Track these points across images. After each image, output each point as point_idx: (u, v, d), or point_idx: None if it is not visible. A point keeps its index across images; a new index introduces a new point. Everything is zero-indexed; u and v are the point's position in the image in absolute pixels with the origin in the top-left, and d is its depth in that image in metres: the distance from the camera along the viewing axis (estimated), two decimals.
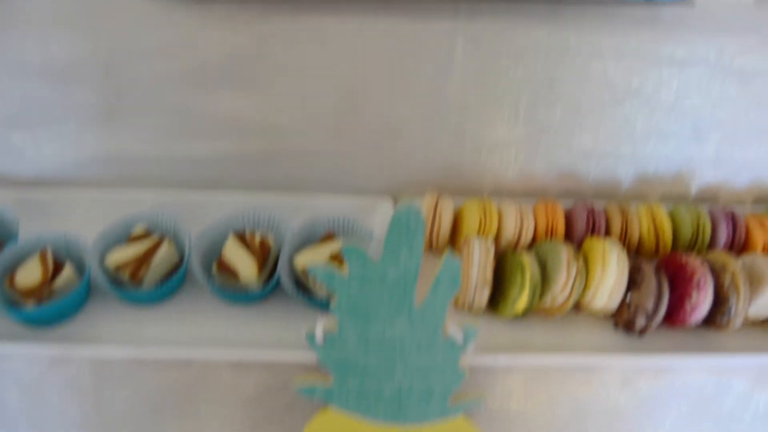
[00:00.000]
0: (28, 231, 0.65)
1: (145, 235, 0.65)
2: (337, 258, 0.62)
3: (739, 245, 0.67)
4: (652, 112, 0.65)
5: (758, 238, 0.67)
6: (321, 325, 0.54)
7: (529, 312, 0.60)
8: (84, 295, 0.63)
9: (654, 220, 0.66)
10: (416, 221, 0.51)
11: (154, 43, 0.60)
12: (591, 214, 0.66)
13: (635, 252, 0.68)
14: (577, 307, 0.62)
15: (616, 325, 0.62)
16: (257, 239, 0.64)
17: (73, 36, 0.62)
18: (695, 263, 0.61)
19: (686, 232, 0.66)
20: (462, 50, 0.60)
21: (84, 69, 0.63)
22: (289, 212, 0.67)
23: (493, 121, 0.65)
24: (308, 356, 0.55)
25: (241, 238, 0.64)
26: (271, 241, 0.65)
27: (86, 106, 0.66)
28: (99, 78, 0.63)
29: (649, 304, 0.59)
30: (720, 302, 0.60)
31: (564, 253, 0.60)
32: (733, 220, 0.67)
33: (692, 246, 0.67)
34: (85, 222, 0.67)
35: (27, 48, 0.62)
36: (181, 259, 0.65)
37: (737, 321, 0.60)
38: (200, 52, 0.61)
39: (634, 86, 0.63)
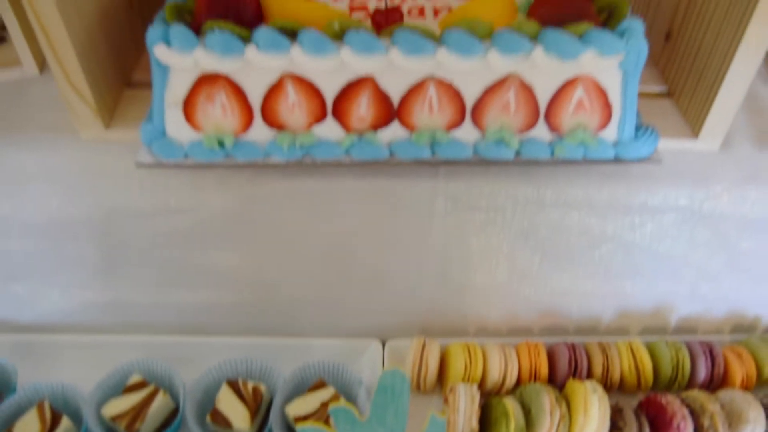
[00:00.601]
0: (26, 377, 0.67)
1: (141, 384, 0.67)
2: (327, 406, 0.64)
3: (718, 380, 0.70)
4: (628, 254, 0.68)
5: (736, 372, 0.69)
6: None
7: None
8: None
9: (635, 358, 0.69)
10: (401, 385, 0.53)
11: (150, 205, 0.64)
12: (573, 353, 0.68)
13: (617, 389, 0.69)
14: None
15: None
16: (250, 387, 0.66)
17: (72, 197, 0.66)
18: (675, 404, 0.63)
19: (666, 368, 0.69)
20: (442, 206, 0.64)
21: (82, 226, 0.67)
22: (281, 355, 0.69)
23: (475, 269, 0.68)
24: None
25: (234, 386, 0.66)
26: (263, 389, 0.66)
27: (84, 259, 0.69)
28: (97, 234, 0.67)
29: None
30: None
31: (547, 400, 0.62)
32: (711, 354, 0.69)
33: (672, 382, 0.69)
34: (82, 366, 0.70)
35: (28, 207, 0.66)
36: (176, 408, 0.67)
37: None
38: (194, 213, 0.64)
39: (609, 232, 0.67)
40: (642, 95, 0.70)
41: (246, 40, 0.54)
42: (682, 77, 0.69)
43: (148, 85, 0.67)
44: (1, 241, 0.69)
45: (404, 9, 0.61)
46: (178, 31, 0.54)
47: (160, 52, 0.55)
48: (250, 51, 0.54)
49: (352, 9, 0.61)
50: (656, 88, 0.73)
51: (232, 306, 0.71)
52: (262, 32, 0.54)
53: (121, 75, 0.69)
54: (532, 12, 0.59)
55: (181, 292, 0.70)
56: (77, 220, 0.66)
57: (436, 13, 0.61)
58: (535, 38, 0.55)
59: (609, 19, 0.60)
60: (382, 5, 0.61)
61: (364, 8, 0.62)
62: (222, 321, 0.72)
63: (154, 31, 0.55)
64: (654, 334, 0.76)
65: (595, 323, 0.74)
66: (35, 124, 0.67)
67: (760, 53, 0.60)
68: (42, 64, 0.74)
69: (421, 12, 0.61)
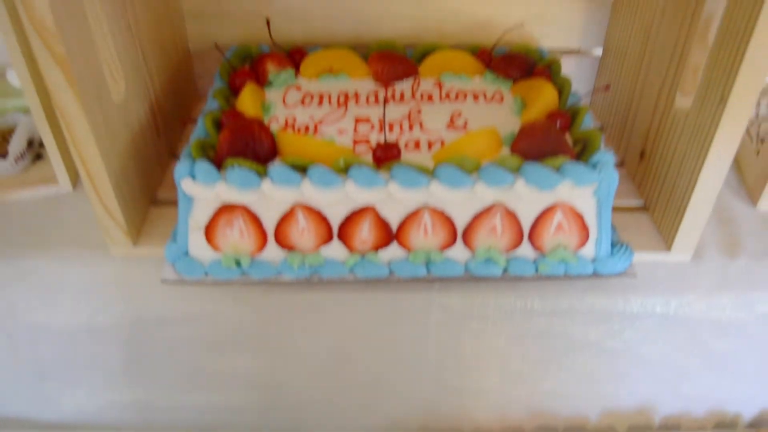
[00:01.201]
0: None
1: None
2: None
3: None
4: (610, 358, 0.74)
5: None
6: None
7: None
8: None
9: None
10: None
11: (173, 314, 0.70)
12: None
13: None
14: None
15: None
16: None
17: (101, 307, 0.72)
18: None
19: None
20: (437, 317, 0.70)
21: (109, 333, 0.73)
22: None
23: (469, 373, 0.74)
24: None
25: None
26: None
27: (110, 362, 0.75)
28: (122, 340, 0.73)
29: None
30: None
31: None
32: None
33: None
34: None
35: (61, 316, 0.72)
36: None
37: None
38: (212, 322, 0.70)
39: (591, 338, 0.72)
40: (620, 209, 0.78)
41: (262, 175, 0.62)
42: (655, 193, 0.76)
43: (171, 202, 0.75)
44: (34, 345, 0.74)
45: (402, 142, 0.69)
46: (203, 167, 0.61)
47: (186, 185, 0.62)
48: (266, 185, 0.61)
49: (355, 142, 0.69)
50: (633, 202, 0.80)
51: (246, 406, 0.76)
52: (276, 168, 0.61)
53: (147, 194, 0.76)
54: (515, 145, 0.67)
55: (199, 393, 0.75)
56: (105, 327, 0.72)
57: (430, 145, 0.69)
58: (517, 171, 0.62)
59: (584, 150, 0.67)
60: (382, 139, 0.69)
61: (367, 141, 0.69)
62: (236, 420, 0.77)
63: (181, 167, 0.62)
64: (640, 431, 0.80)
65: (583, 422, 0.79)
66: (69, 240, 0.74)
67: (723, 170, 0.66)
68: (75, 181, 0.82)
69: (417, 145, 0.69)
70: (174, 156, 0.85)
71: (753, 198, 0.83)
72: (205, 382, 0.75)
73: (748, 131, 0.88)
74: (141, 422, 0.78)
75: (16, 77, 0.86)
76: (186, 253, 0.67)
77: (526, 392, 0.75)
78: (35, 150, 0.86)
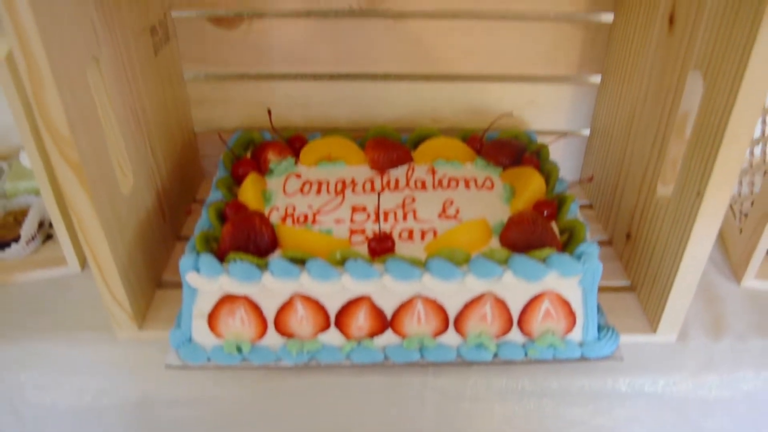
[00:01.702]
0: None
1: None
2: None
3: None
4: None
5: None
6: None
7: None
8: None
9: None
10: None
11: (176, 396, 0.73)
12: None
13: None
14: None
15: None
16: None
17: (107, 388, 0.74)
18: None
19: None
20: (431, 398, 0.72)
21: (114, 412, 0.75)
22: None
23: None
24: None
25: None
26: None
27: None
28: (126, 419, 0.75)
29: None
30: None
31: None
32: None
33: None
34: None
35: (67, 396, 0.74)
36: None
37: None
38: (214, 404, 0.73)
39: (581, 417, 0.74)
40: (607, 289, 0.81)
41: (263, 268, 0.65)
42: (641, 274, 0.79)
43: (176, 284, 0.78)
44: (41, 424, 0.76)
45: (396, 231, 0.72)
46: (206, 261, 0.65)
47: (191, 277, 0.65)
48: (266, 278, 0.64)
49: (352, 231, 0.73)
50: (620, 282, 0.83)
51: None
52: (276, 262, 0.64)
53: (153, 278, 0.80)
54: (503, 235, 0.70)
55: None
56: (110, 407, 0.75)
57: (423, 235, 0.72)
58: (505, 263, 0.65)
59: (570, 239, 0.70)
60: (377, 228, 0.73)
61: (363, 231, 0.73)
62: None
63: (186, 260, 0.65)
64: None
65: None
66: (77, 322, 0.77)
67: (704, 256, 0.68)
68: (84, 263, 0.85)
69: (410, 235, 0.72)
70: (179, 238, 0.89)
71: (737, 276, 0.86)
72: None
73: (731, 208, 0.91)
74: None
75: (28, 159, 0.91)
76: (189, 340, 0.70)
77: None
78: (45, 231, 0.90)
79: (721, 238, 0.92)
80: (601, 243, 0.88)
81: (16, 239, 0.84)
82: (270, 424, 0.74)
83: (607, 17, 0.88)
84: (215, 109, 0.96)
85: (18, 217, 0.89)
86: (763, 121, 0.87)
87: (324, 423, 0.74)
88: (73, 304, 0.80)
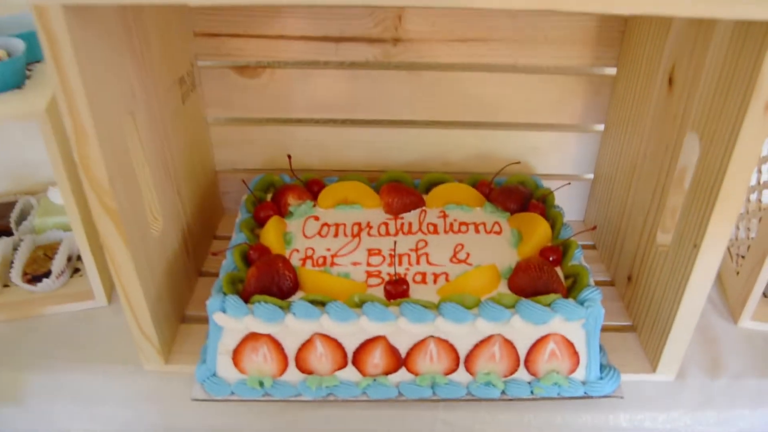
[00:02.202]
0: None
1: None
2: None
3: None
4: None
5: None
6: None
7: None
8: None
9: None
10: None
11: (201, 426, 0.77)
12: None
13: None
14: None
15: None
16: None
17: (134, 418, 0.78)
18: None
19: None
20: (440, 430, 0.76)
21: None
22: None
23: None
24: None
25: None
26: None
27: None
28: None
29: None
30: None
31: None
32: None
33: None
34: None
35: (96, 426, 0.78)
36: None
37: None
38: None
39: None
40: (610, 329, 0.85)
41: (285, 309, 0.69)
42: (642, 315, 0.83)
43: (198, 319, 0.82)
44: None
45: (410, 275, 0.77)
46: (232, 302, 0.69)
47: (217, 317, 0.70)
48: (289, 318, 0.69)
49: (368, 275, 0.77)
50: (622, 322, 0.87)
51: None
52: (298, 305, 0.69)
53: (177, 313, 0.84)
54: (512, 280, 0.75)
55: None
56: None
57: (435, 278, 0.76)
58: (513, 307, 0.70)
59: (574, 284, 0.75)
60: (392, 271, 0.77)
61: (378, 274, 0.77)
62: None
63: (213, 301, 0.70)
64: None
65: None
66: (105, 354, 0.81)
67: (701, 302, 0.72)
68: (110, 296, 0.90)
69: (423, 278, 0.77)
70: (201, 274, 0.93)
71: (734, 316, 0.90)
72: None
73: (729, 251, 0.96)
74: None
75: (58, 195, 0.96)
76: (214, 374, 0.74)
77: None
78: (73, 265, 0.94)
79: (719, 280, 0.96)
80: (603, 283, 0.93)
81: (47, 274, 0.89)
82: None
83: (611, 71, 0.94)
84: (236, 151, 1.01)
85: (47, 251, 0.93)
86: (758, 170, 0.92)
87: None
88: (101, 337, 0.84)
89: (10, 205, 1.01)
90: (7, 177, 1.07)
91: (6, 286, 0.91)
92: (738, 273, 0.91)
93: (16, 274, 0.88)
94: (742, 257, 0.92)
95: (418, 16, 0.89)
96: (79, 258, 0.93)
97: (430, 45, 0.91)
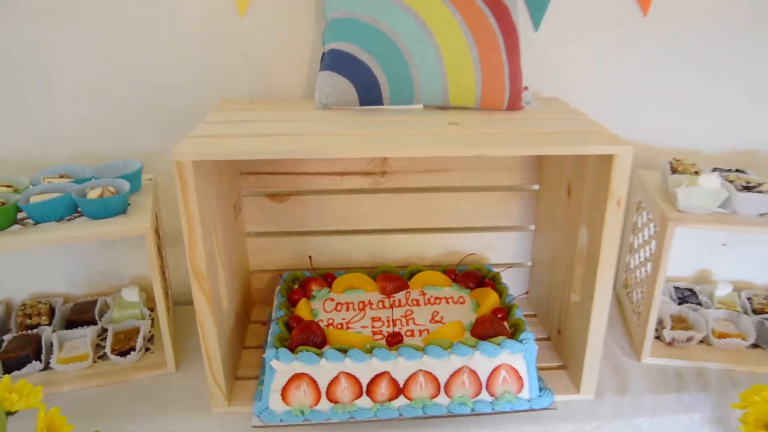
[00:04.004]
0: None
1: None
2: None
3: None
4: None
5: None
6: None
7: None
8: None
9: None
10: None
11: None
12: None
13: None
14: None
15: None
16: None
17: None
18: None
19: None
20: None
21: None
22: None
23: None
24: None
25: None
26: None
27: None
28: None
29: None
30: None
31: None
32: None
33: None
34: None
35: None
36: None
37: None
38: None
39: None
40: (546, 368, 1.18)
41: (320, 355, 1.02)
42: (568, 355, 1.17)
43: (247, 377, 1.13)
44: None
45: (403, 331, 1.11)
46: (284, 352, 1.01)
47: (274, 363, 1.02)
48: (322, 361, 1.01)
49: (374, 333, 1.11)
50: (556, 363, 1.20)
51: None
52: (329, 352, 1.02)
53: (233, 373, 1.15)
54: (473, 330, 1.09)
55: None
56: None
57: (420, 333, 1.10)
58: (475, 347, 1.03)
59: (515, 331, 1.09)
60: (391, 330, 1.11)
61: (381, 333, 1.11)
62: None
63: (270, 353, 1.02)
64: None
65: None
66: (180, 405, 1.11)
67: (600, 342, 1.07)
68: (178, 365, 1.21)
69: (412, 333, 1.10)
70: (244, 347, 1.25)
71: (638, 355, 1.24)
72: None
73: (633, 310, 1.31)
74: None
75: (129, 294, 1.29)
76: (267, 408, 1.05)
77: None
78: (145, 344, 1.26)
79: (628, 332, 1.31)
80: (542, 339, 1.27)
81: (132, 349, 1.20)
82: None
83: (536, 187, 1.33)
84: (266, 255, 1.37)
85: (126, 335, 1.25)
86: (642, 250, 1.30)
87: None
88: (175, 393, 1.14)
89: (93, 303, 1.33)
90: (85, 283, 1.40)
91: (95, 361, 1.21)
92: (638, 325, 1.26)
93: (109, 350, 1.19)
94: (640, 313, 1.27)
95: (398, 157, 1.29)
96: (149, 339, 1.25)
97: (407, 175, 1.31)
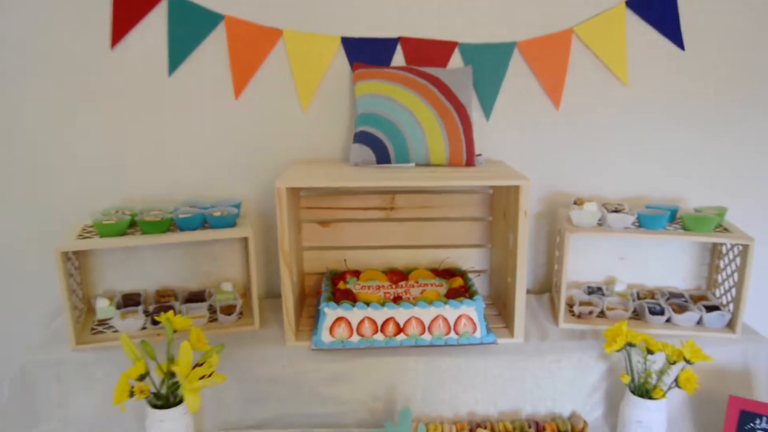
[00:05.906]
0: None
1: None
2: None
3: None
4: (493, 378, 1.76)
5: None
6: None
7: None
8: None
9: None
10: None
11: (315, 365, 1.74)
12: None
13: None
14: None
15: None
16: None
17: (280, 369, 1.76)
18: None
19: None
20: (419, 362, 1.74)
21: (281, 380, 1.75)
22: None
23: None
24: None
25: None
26: None
27: None
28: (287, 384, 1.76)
29: None
30: None
31: None
32: None
33: None
34: None
35: (254, 369, 1.75)
36: None
37: None
38: (332, 367, 1.74)
39: (481, 370, 1.76)
40: (494, 327, 1.87)
41: (352, 305, 1.71)
42: (507, 317, 1.85)
43: (302, 330, 1.83)
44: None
45: (403, 295, 1.81)
46: (331, 305, 1.72)
47: (326, 310, 1.72)
48: (354, 309, 1.70)
49: (386, 296, 1.81)
50: (501, 325, 1.88)
51: None
52: (358, 304, 1.71)
53: (296, 326, 1.85)
54: (446, 294, 1.79)
55: None
56: (282, 376, 1.75)
57: (414, 299, 1.81)
58: (446, 302, 1.72)
59: (471, 296, 1.79)
60: (394, 293, 1.82)
61: (389, 296, 1.81)
62: None
63: (323, 305, 1.72)
64: None
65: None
66: (264, 341, 1.79)
67: (523, 302, 1.77)
68: (261, 324, 1.90)
69: (409, 298, 1.81)
70: (301, 311, 1.95)
71: (556, 322, 1.91)
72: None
73: (556, 298, 2.00)
74: None
75: (227, 286, 2.00)
76: (320, 338, 1.73)
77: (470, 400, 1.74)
78: (238, 313, 1.95)
79: (554, 316, 1.99)
80: (495, 315, 1.96)
81: (232, 313, 1.90)
82: (351, 381, 1.74)
83: (489, 218, 2.06)
84: (316, 262, 2.08)
85: (223, 309, 1.95)
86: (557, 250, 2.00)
87: (377, 381, 1.74)
88: (262, 338, 1.83)
89: (202, 292, 2.04)
90: (195, 279, 2.11)
91: (210, 321, 1.91)
92: (557, 304, 1.95)
93: (218, 313, 1.90)
94: (557, 294, 1.95)
95: (403, 197, 2.03)
96: (234, 308, 1.96)
97: (408, 210, 2.04)
